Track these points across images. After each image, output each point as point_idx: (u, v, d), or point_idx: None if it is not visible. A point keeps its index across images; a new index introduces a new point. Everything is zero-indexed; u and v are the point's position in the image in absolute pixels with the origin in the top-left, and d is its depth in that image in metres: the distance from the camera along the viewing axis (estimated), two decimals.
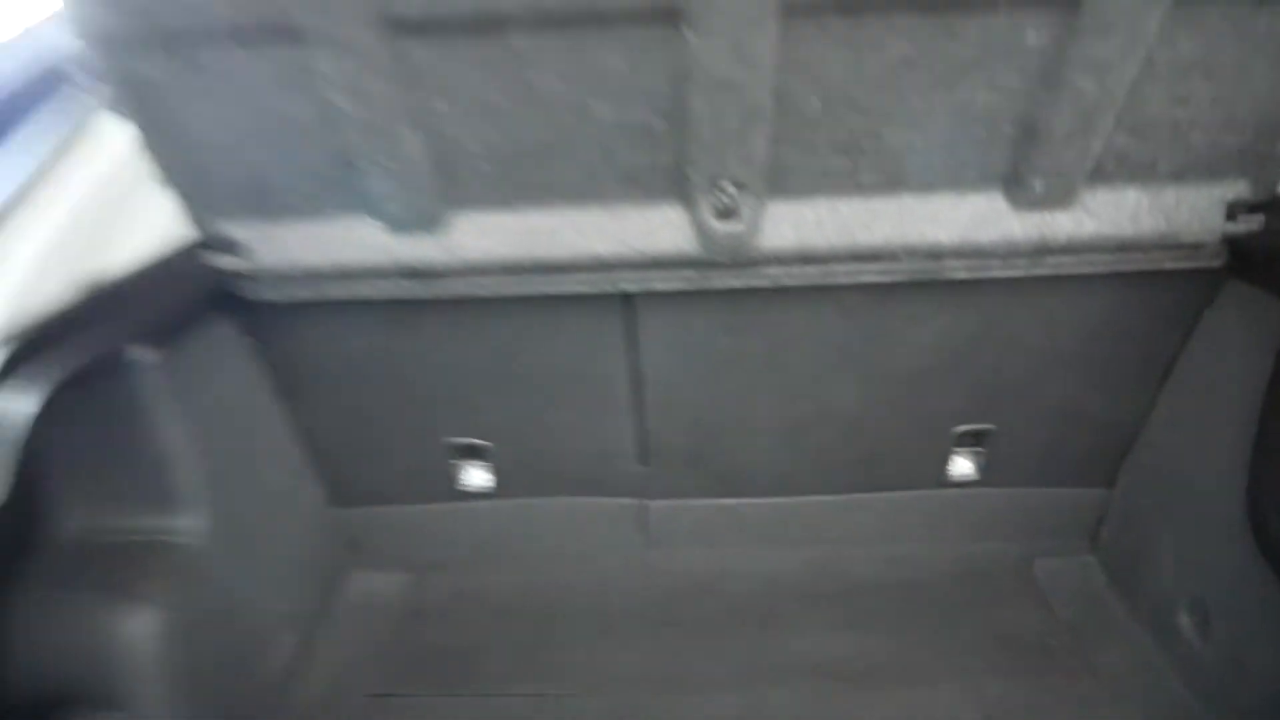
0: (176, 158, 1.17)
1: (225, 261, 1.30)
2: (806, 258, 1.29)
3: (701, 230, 1.24)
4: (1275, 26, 1.05)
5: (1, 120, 1.04)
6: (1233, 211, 1.26)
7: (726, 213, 1.21)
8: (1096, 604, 1.75)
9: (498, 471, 1.79)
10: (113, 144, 1.11)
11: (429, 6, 0.99)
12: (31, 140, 1.04)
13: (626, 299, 1.47)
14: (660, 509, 1.83)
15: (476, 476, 1.80)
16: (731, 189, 1.19)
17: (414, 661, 1.71)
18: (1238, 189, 1.24)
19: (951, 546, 1.86)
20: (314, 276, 1.33)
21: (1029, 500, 1.83)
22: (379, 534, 1.88)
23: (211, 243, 1.28)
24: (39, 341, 0.96)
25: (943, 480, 1.79)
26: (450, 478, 1.79)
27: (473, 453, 1.77)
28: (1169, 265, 1.33)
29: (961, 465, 1.77)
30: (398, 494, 1.84)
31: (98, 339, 1.06)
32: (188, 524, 1.33)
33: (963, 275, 1.32)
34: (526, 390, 1.65)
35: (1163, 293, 1.44)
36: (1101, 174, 1.22)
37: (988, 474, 1.77)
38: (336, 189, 1.22)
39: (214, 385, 1.41)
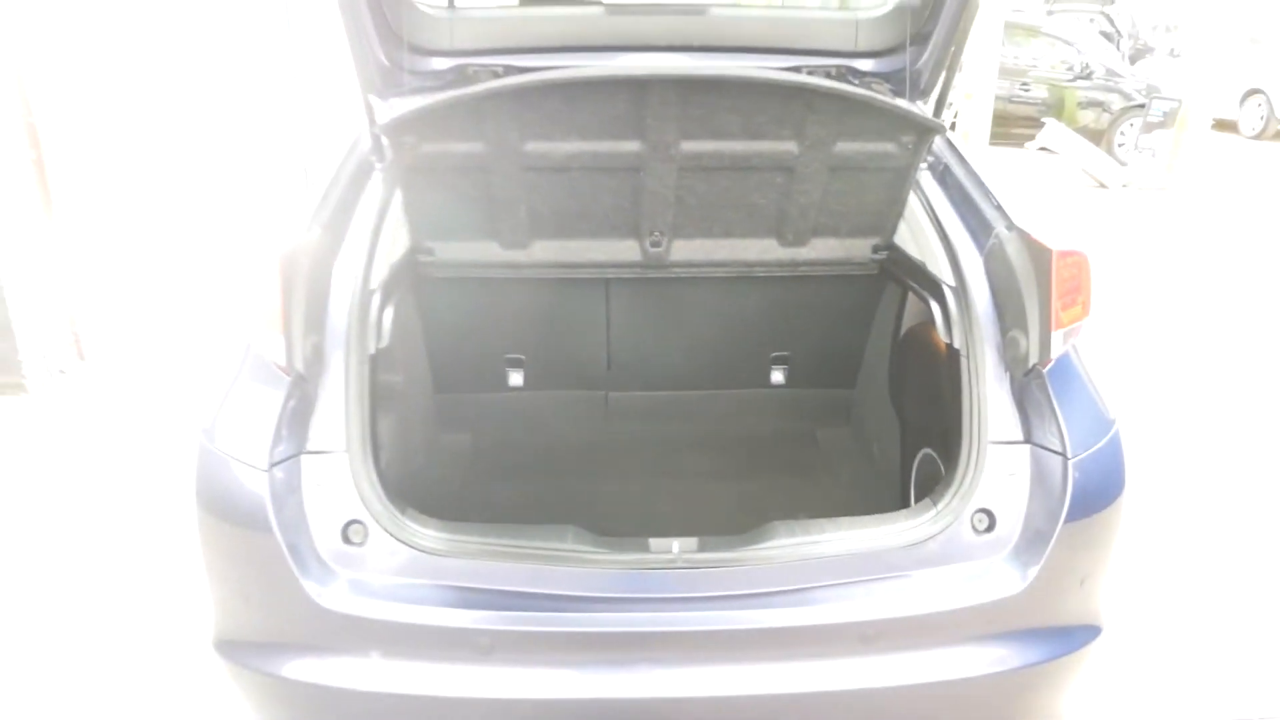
0: (414, 210, 2.61)
1: (422, 257, 2.74)
2: (690, 264, 2.80)
3: (644, 251, 2.75)
4: (870, 179, 2.59)
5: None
6: (876, 249, 2.82)
7: (656, 244, 2.72)
8: (844, 449, 3.32)
9: (526, 375, 3.27)
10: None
11: (543, 163, 2.46)
12: (371, 194, 2.47)
13: (606, 282, 2.98)
14: (616, 396, 3.35)
15: (515, 377, 3.28)
16: (658, 234, 2.70)
17: (479, 473, 3.17)
18: (876, 239, 2.80)
19: (771, 421, 3.41)
20: (460, 266, 2.78)
21: (814, 396, 3.39)
22: (459, 410, 3.34)
23: (419, 248, 2.72)
24: (386, 285, 2.40)
25: (766, 383, 3.33)
26: (502, 378, 3.26)
27: (515, 363, 3.25)
28: (856, 273, 2.89)
29: (776, 375, 3.32)
30: (470, 386, 3.30)
31: (393, 290, 2.50)
32: (397, 379, 2.78)
33: (761, 275, 2.86)
34: (550, 328, 3.13)
35: (860, 285, 3.01)
36: (817, 231, 2.76)
37: (789, 380, 3.32)
38: (481, 227, 2.68)
39: (403, 318, 2.87)
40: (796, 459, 3.27)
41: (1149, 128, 10.89)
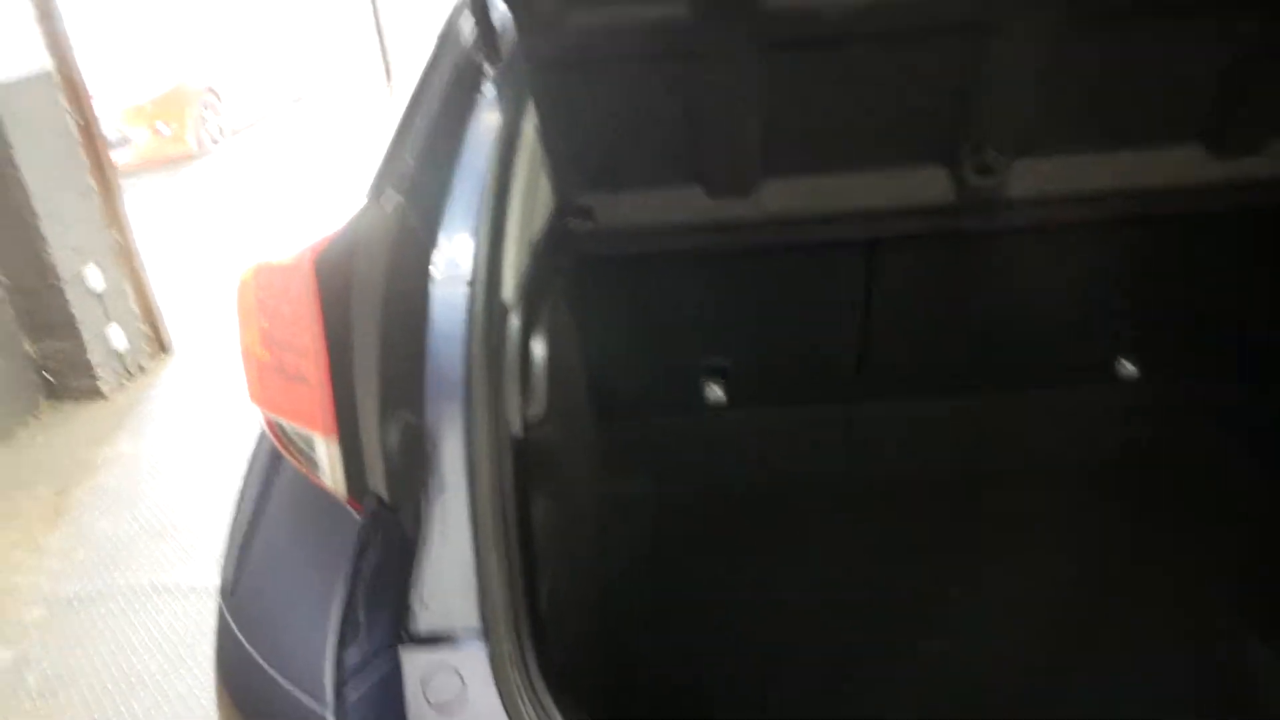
0: (560, 144, 1.51)
1: (574, 224, 1.65)
2: (1041, 202, 1.61)
3: (961, 184, 1.57)
4: None
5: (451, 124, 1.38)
6: None
7: (985, 170, 1.54)
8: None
9: (731, 387, 2.15)
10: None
11: (798, 34, 1.32)
12: (484, 124, 1.38)
13: (870, 246, 1.80)
14: (868, 411, 2.17)
15: (715, 391, 2.16)
16: (992, 151, 1.51)
17: (666, 540, 2.10)
18: None
19: (1121, 436, 2.17)
20: (638, 233, 1.68)
21: (1198, 393, 2.14)
22: (631, 444, 2.25)
23: (569, 210, 1.63)
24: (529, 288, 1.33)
25: (1109, 374, 2.10)
26: (696, 393, 2.16)
27: (715, 372, 2.13)
28: None
29: (1124, 363, 2.08)
30: (648, 409, 2.21)
31: (541, 293, 1.43)
32: (553, 445, 1.70)
33: (1164, 212, 1.63)
34: (770, 317, 2.00)
35: None
36: None
37: (1148, 366, 2.09)
38: (676, 165, 1.56)
39: (556, 335, 1.77)
40: (1176, 510, 2.05)
41: None
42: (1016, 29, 1.32)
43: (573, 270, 1.78)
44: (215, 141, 9.47)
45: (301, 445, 1.00)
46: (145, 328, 4.51)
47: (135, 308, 4.44)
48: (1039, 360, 2.08)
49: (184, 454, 3.70)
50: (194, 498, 3.37)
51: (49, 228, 3.93)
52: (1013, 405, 2.17)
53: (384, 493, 1.00)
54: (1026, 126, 1.50)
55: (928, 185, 1.59)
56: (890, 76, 1.41)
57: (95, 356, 4.17)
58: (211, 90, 9.49)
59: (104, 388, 4.22)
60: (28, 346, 4.12)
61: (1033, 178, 1.58)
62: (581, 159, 1.55)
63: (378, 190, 1.11)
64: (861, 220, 1.66)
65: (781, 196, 1.62)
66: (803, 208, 1.62)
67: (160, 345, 4.60)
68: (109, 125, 7.10)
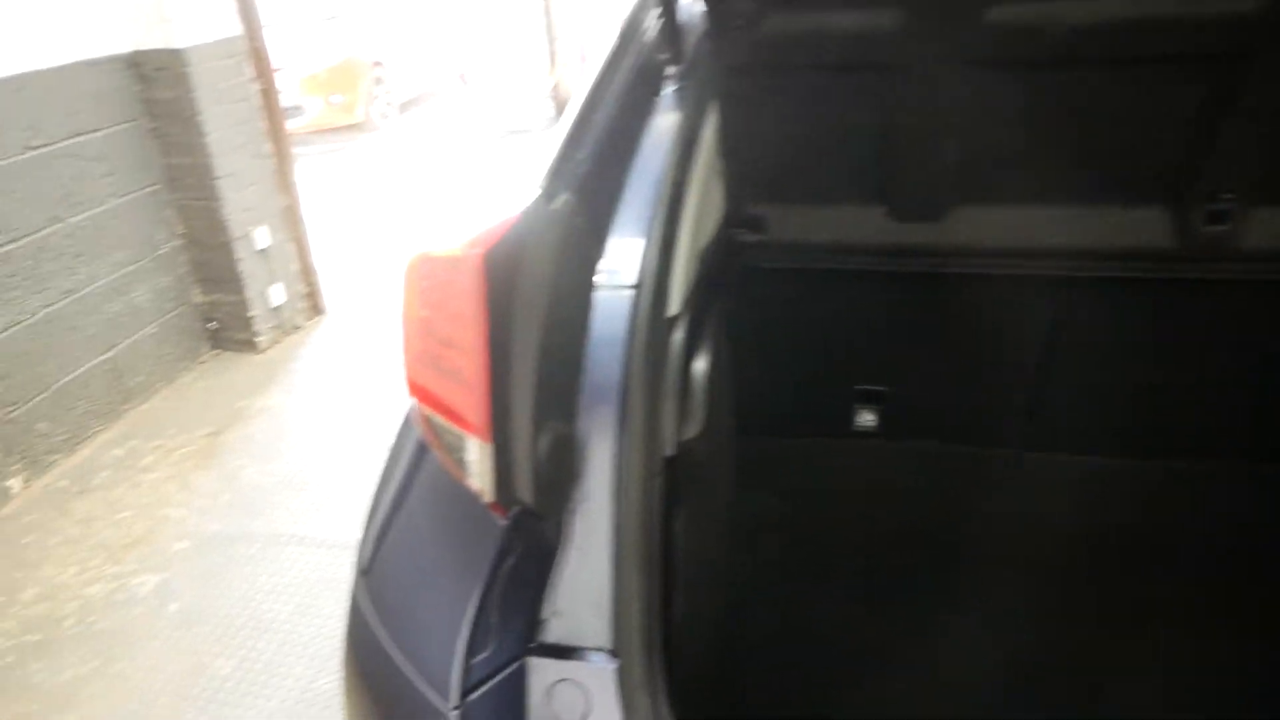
0: (740, 152, 1.44)
1: (743, 235, 1.58)
2: (1274, 258, 1.44)
3: (1187, 229, 1.41)
4: None
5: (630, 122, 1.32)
6: None
7: (1217, 217, 1.38)
8: None
9: (885, 415, 2.04)
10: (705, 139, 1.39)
11: (1016, 51, 1.21)
12: (661, 126, 1.32)
13: (1059, 284, 1.66)
14: (1039, 460, 2.02)
15: (866, 417, 2.06)
16: (1228, 196, 1.35)
17: (787, 563, 2.00)
18: None
19: None
20: (808, 251, 1.59)
21: None
22: (765, 458, 2.17)
23: (740, 220, 1.56)
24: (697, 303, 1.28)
25: None
26: (844, 416, 2.06)
27: (869, 397, 2.02)
28: None
29: None
30: (789, 427, 2.12)
31: (707, 308, 1.37)
32: (692, 431, 1.64)
33: None
34: (936, 348, 1.88)
35: None
36: None
37: None
38: (859, 183, 1.47)
39: (713, 335, 1.71)
40: None
41: None
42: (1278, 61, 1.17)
43: (734, 280, 1.72)
44: (384, 116, 9.81)
45: (451, 441, 0.97)
46: (303, 289, 4.70)
47: (296, 269, 4.63)
48: (1237, 433, 1.88)
49: (328, 412, 3.83)
50: (333, 455, 3.49)
51: (226, 188, 4.13)
52: (1200, 476, 1.96)
53: (530, 501, 0.97)
54: (1270, 172, 1.33)
55: (1144, 227, 1.45)
56: (1117, 105, 1.28)
57: (256, 312, 4.37)
58: (379, 63, 9.84)
59: (261, 342, 4.42)
60: (197, 297, 4.35)
61: (1267, 230, 1.41)
62: (760, 168, 1.48)
63: (550, 187, 1.07)
64: (1060, 258, 1.52)
65: (973, 225, 1.50)
66: (995, 239, 1.51)
67: (315, 307, 4.79)
68: (286, 93, 7.45)
